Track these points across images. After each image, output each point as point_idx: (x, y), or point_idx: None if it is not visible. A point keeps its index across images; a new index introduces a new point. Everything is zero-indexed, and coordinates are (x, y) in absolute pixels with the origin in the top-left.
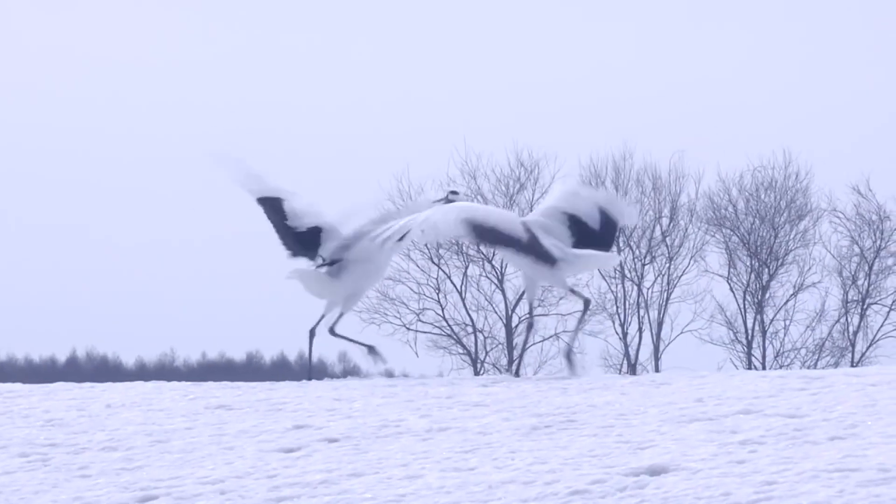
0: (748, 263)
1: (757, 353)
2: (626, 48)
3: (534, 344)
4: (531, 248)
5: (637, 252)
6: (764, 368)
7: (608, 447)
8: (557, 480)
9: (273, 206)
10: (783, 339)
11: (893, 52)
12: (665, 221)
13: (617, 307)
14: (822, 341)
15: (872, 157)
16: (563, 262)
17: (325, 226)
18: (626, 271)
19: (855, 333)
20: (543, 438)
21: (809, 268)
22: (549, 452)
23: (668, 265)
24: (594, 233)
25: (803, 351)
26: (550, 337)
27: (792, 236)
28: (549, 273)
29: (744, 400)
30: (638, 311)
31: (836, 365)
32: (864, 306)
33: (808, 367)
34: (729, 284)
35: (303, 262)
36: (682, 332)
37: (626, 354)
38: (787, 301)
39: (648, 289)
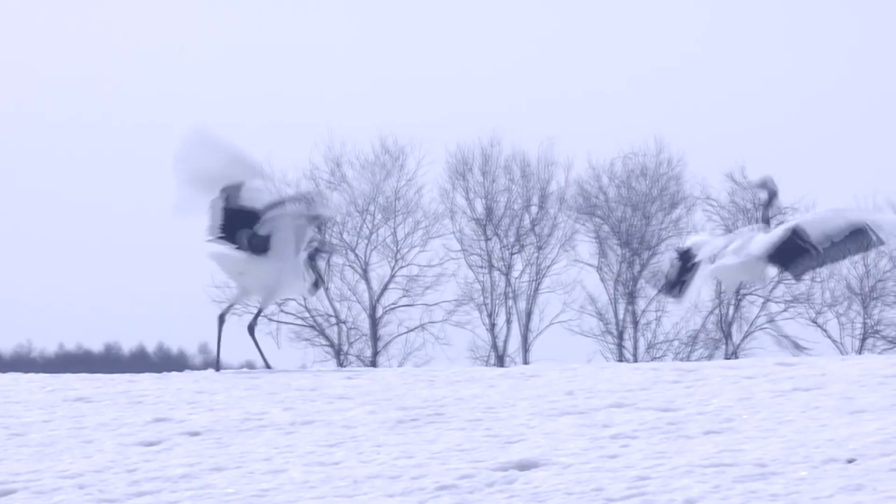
0: (619, 253)
1: (628, 344)
2: (493, 33)
3: (400, 334)
4: None
5: (505, 241)
6: (636, 361)
7: (476, 441)
8: (424, 475)
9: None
10: (655, 331)
11: (767, 39)
12: (534, 210)
13: (484, 298)
14: (696, 333)
15: (747, 143)
16: None
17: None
18: (494, 261)
19: (730, 325)
20: (410, 432)
21: None
22: (416, 446)
23: (536, 255)
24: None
25: (676, 343)
26: (416, 328)
27: (664, 225)
28: None
29: (616, 393)
30: (506, 302)
31: (711, 357)
32: (739, 297)
33: (682, 360)
34: (599, 274)
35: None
36: (551, 324)
37: (494, 346)
38: (660, 291)
39: (517, 279)
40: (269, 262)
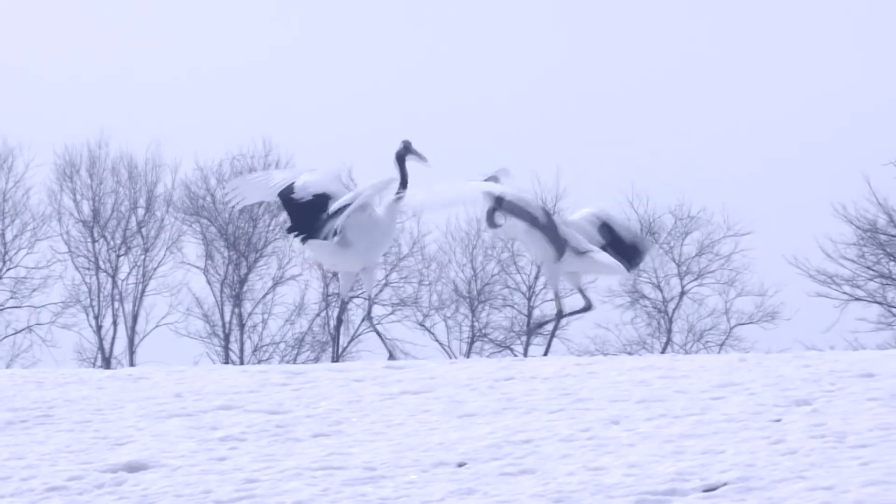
0: (226, 255)
1: (235, 347)
2: (98, 35)
3: (7, 336)
4: (546, 228)
5: (112, 243)
6: (242, 363)
7: (85, 443)
8: (34, 476)
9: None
10: (262, 333)
11: (371, 35)
12: (141, 212)
13: (91, 299)
14: (303, 335)
15: (356, 146)
16: (572, 252)
17: (332, 193)
18: (101, 262)
19: (336, 327)
20: (20, 433)
21: (289, 260)
22: (26, 448)
23: (143, 256)
24: (622, 244)
25: (283, 345)
26: (23, 329)
27: (271, 227)
28: (556, 261)
29: (224, 395)
30: (112, 304)
31: (317, 359)
32: (346, 301)
33: (289, 362)
34: (206, 276)
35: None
36: (157, 326)
37: (101, 348)
38: (266, 294)
39: (123, 281)
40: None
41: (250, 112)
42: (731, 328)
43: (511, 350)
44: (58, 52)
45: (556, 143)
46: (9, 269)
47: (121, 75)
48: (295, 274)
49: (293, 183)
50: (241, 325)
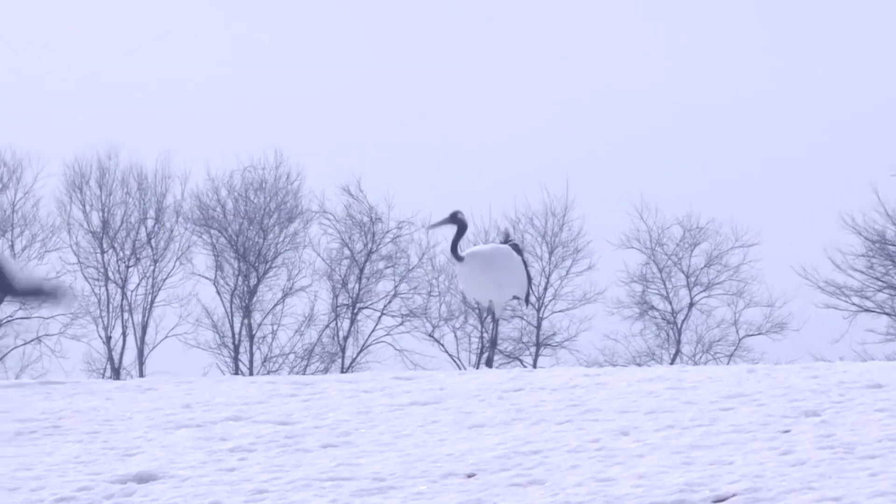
0: (236, 266)
1: (244, 357)
2: (107, 43)
3: (17, 346)
4: None
5: (121, 254)
6: (251, 374)
7: (94, 454)
8: (42, 487)
9: None
10: (271, 344)
11: (366, 49)
12: (150, 223)
13: (100, 310)
14: (312, 346)
15: (361, 158)
16: None
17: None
18: (111, 273)
19: (345, 338)
20: (27, 444)
21: (299, 271)
22: (34, 458)
23: (153, 267)
24: None
25: (292, 356)
26: (33, 340)
27: (281, 239)
28: None
29: (233, 406)
30: (122, 315)
31: (326, 370)
32: (355, 311)
33: (298, 373)
34: (216, 287)
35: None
36: (167, 336)
37: (110, 358)
38: (276, 305)
39: (132, 292)
40: None
41: (262, 123)
42: (740, 339)
43: (520, 361)
44: (67, 62)
45: (565, 153)
46: None
47: (130, 85)
48: (304, 285)
49: None
50: (251, 336)
